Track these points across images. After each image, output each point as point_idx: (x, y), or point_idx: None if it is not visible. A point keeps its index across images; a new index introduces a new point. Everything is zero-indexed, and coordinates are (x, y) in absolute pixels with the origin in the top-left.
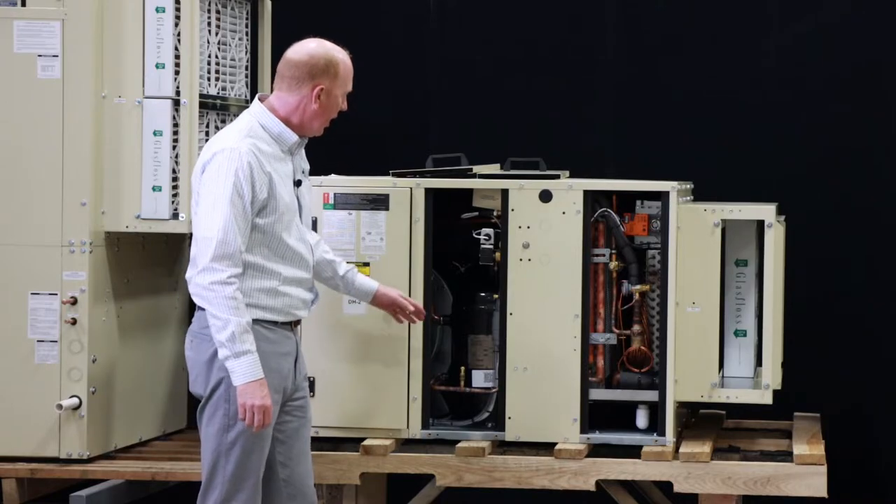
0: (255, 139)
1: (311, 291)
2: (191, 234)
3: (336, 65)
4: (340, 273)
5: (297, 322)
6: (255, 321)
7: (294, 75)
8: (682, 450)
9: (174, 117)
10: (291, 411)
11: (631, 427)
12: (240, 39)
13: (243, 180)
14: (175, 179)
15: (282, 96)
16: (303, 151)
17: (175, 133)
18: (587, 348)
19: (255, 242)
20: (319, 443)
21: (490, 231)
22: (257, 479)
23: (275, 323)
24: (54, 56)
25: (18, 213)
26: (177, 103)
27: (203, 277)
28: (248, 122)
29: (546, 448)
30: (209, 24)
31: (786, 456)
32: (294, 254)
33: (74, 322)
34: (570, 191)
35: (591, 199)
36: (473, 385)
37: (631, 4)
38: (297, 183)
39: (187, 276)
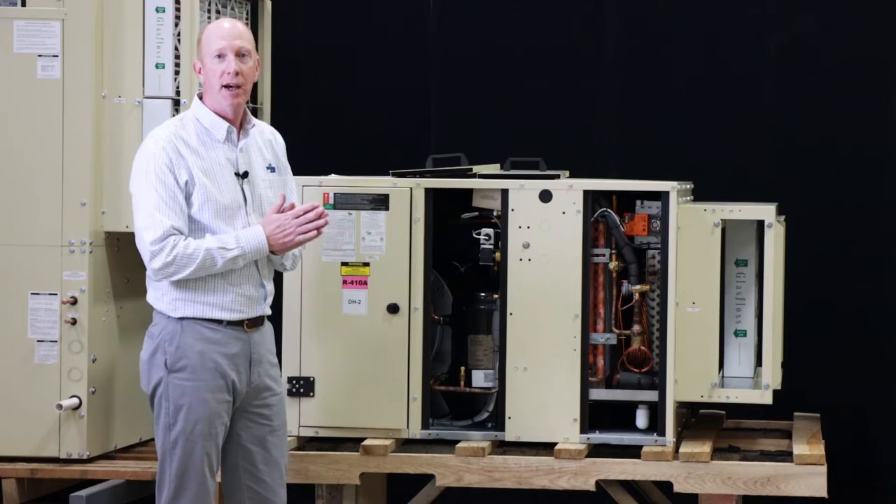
0: (180, 129)
1: (259, 287)
2: None
3: (200, 38)
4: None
5: (253, 323)
6: (197, 319)
7: None
8: (682, 450)
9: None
10: (253, 417)
11: (631, 427)
12: None
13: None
14: None
15: None
16: (265, 142)
17: None
18: (587, 348)
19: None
20: (319, 443)
21: (490, 231)
22: (203, 479)
23: (219, 322)
24: (54, 56)
25: (18, 213)
26: (177, 103)
27: (155, 264)
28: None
29: (546, 448)
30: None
31: (786, 456)
32: None
33: (74, 322)
34: (570, 191)
35: (591, 199)
36: (473, 385)
37: (631, 4)
38: (244, 175)
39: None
